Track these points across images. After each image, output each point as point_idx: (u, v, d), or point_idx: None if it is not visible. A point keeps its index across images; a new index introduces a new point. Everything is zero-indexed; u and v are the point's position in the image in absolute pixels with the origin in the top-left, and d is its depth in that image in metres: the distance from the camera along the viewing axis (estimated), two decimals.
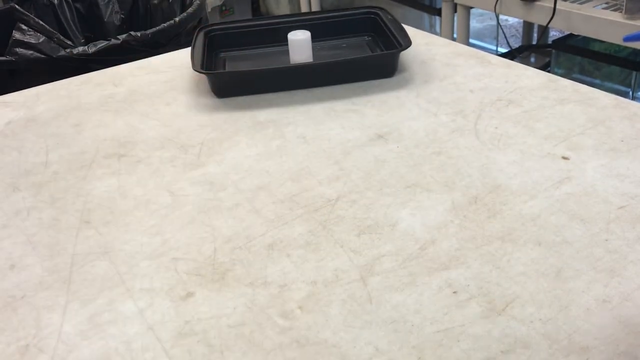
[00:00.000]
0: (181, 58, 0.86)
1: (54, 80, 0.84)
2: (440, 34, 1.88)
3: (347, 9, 0.86)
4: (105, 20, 1.43)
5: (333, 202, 0.52)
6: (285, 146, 0.62)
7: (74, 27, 1.42)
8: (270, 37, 0.83)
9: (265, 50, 0.84)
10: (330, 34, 0.84)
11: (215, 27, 0.83)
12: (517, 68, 0.74)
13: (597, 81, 1.66)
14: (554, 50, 1.61)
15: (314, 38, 0.76)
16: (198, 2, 1.26)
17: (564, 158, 0.56)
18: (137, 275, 0.46)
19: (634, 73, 1.48)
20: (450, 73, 0.74)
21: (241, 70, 0.77)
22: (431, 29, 2.33)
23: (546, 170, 0.54)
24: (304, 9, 2.50)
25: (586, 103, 0.65)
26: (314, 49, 0.76)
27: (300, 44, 0.75)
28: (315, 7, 2.46)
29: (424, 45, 0.83)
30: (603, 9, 1.46)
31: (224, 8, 2.80)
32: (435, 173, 0.55)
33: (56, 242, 0.50)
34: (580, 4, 1.50)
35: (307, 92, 0.72)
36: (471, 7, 1.76)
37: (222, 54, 0.83)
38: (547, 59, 1.77)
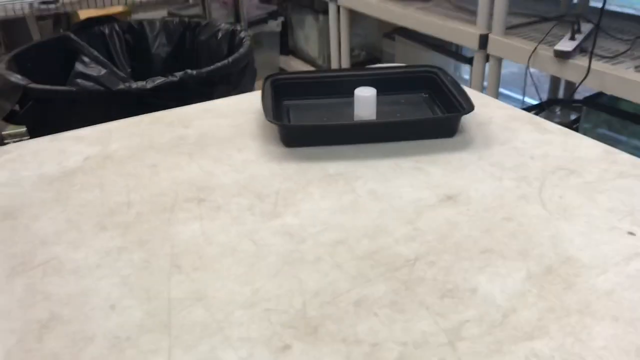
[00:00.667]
0: (246, 102, 0.90)
1: (111, 112, 0.88)
2: (469, 82, 1.92)
3: (407, 66, 0.89)
4: (153, 52, 1.48)
5: (412, 262, 0.55)
6: (357, 201, 0.65)
7: (122, 57, 1.46)
8: (333, 89, 0.87)
9: (327, 101, 0.87)
10: (390, 89, 0.88)
11: (280, 76, 0.87)
12: (573, 137, 0.78)
13: (624, 138, 1.70)
14: (584, 107, 1.65)
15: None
16: (248, 42, 1.30)
17: (630, 233, 0.58)
18: (233, 324, 0.48)
19: None
20: (509, 137, 0.77)
21: (312, 124, 0.81)
22: (455, 74, 2.37)
23: (614, 244, 0.57)
24: (334, 46, 2.55)
25: None
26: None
27: (366, 101, 0.78)
28: (344, 46, 2.51)
29: (480, 106, 0.86)
30: (635, 70, 1.50)
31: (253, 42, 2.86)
32: (507, 240, 0.58)
33: (150, 285, 0.53)
34: (613, 64, 1.54)
35: (372, 146, 0.76)
36: (503, 59, 1.80)
37: (286, 102, 0.87)
38: (573, 113, 1.80)
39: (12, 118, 1.09)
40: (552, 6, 2.06)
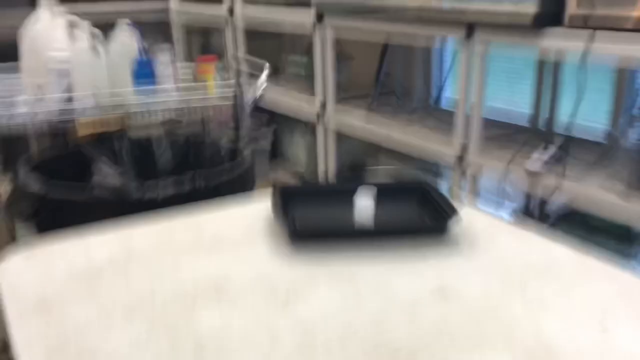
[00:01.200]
0: (254, 209, 0.99)
1: (124, 218, 0.96)
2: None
3: (399, 183, 1.01)
4: (159, 167, 1.59)
5: (414, 353, 0.62)
6: (359, 297, 0.73)
7: (129, 169, 1.57)
8: (334, 198, 0.97)
9: (330, 208, 0.96)
10: (386, 196, 0.98)
11: (287, 187, 0.98)
12: (548, 242, 0.88)
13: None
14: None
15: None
16: (250, 157, 1.42)
17: (603, 330, 0.67)
18: None
19: (630, 246, 1.63)
20: (492, 243, 0.87)
21: (317, 229, 0.89)
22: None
23: (589, 339, 0.65)
24: (321, 157, 2.70)
25: (614, 279, 0.78)
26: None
27: (365, 207, 0.88)
28: (330, 156, 2.66)
29: (466, 215, 0.97)
30: (604, 187, 1.64)
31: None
32: (497, 334, 0.66)
33: None
34: (581, 183, 1.68)
35: (370, 245, 0.85)
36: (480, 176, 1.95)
37: (293, 208, 0.96)
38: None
39: (30, 221, 1.16)
40: (521, 120, 2.24)
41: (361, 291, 0.74)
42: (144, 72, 1.66)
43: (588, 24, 1.54)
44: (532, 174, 1.74)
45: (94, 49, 1.60)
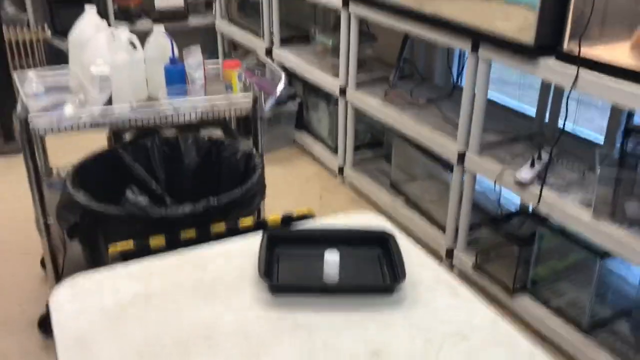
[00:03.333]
0: (249, 246, 1.22)
1: (150, 229, 1.21)
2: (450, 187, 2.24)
3: (367, 229, 1.23)
4: (185, 162, 1.83)
5: None
6: (312, 353, 0.97)
7: (159, 166, 1.82)
8: (314, 241, 1.20)
9: (309, 251, 1.19)
10: (354, 243, 1.20)
11: (275, 232, 1.21)
12: (475, 303, 1.09)
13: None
14: (538, 227, 1.97)
15: (340, 245, 1.13)
16: (260, 169, 1.65)
17: None
18: None
19: (598, 259, 1.82)
20: (430, 300, 1.09)
21: (289, 284, 1.13)
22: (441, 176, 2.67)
23: None
24: (341, 132, 2.89)
25: (512, 348, 1.00)
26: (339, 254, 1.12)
27: (332, 263, 1.11)
28: (350, 133, 2.85)
29: (417, 265, 1.18)
30: (579, 204, 1.81)
31: (272, 118, 3.23)
32: None
33: None
34: (562, 197, 1.85)
35: (333, 297, 1.08)
36: (476, 175, 2.13)
37: (278, 250, 1.20)
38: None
39: (72, 232, 1.44)
40: (526, 125, 2.38)
41: (315, 345, 0.98)
42: (175, 77, 1.87)
43: (576, 61, 1.66)
44: (521, 185, 1.92)
45: (132, 56, 1.81)
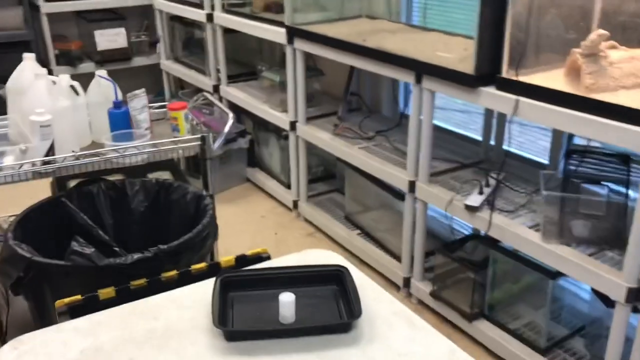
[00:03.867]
0: (202, 292, 1.20)
1: (97, 280, 1.17)
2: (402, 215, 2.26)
3: (322, 266, 1.22)
4: (132, 207, 1.79)
5: None
6: None
7: (106, 212, 1.77)
8: (268, 282, 1.18)
9: (263, 292, 1.17)
10: (309, 282, 1.19)
11: (228, 275, 1.18)
12: (432, 334, 1.09)
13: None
14: (491, 250, 2.00)
15: (295, 284, 1.11)
16: (211, 211, 1.62)
17: None
18: None
19: (550, 280, 1.85)
20: (387, 333, 1.09)
21: (245, 330, 1.10)
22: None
23: None
24: (293, 166, 2.89)
25: None
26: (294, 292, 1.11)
27: (288, 305, 1.10)
28: (302, 166, 2.85)
29: (373, 300, 1.18)
30: (529, 227, 1.85)
31: (223, 155, 3.21)
32: None
33: None
34: (512, 219, 1.89)
35: (290, 339, 1.06)
36: (428, 203, 2.15)
37: (231, 294, 1.17)
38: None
39: (16, 287, 1.38)
40: (473, 150, 2.43)
41: None
42: (120, 121, 1.84)
43: (515, 88, 1.72)
44: (471, 210, 1.95)
45: (74, 102, 1.77)
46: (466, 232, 2.43)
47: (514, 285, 2.12)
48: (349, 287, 1.15)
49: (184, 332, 1.09)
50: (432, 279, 2.22)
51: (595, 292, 1.75)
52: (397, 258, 2.38)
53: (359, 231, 2.67)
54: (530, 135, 2.35)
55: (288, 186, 3.03)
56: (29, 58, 1.86)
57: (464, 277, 2.10)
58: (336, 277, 1.21)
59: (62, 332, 1.09)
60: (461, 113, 2.73)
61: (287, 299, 1.10)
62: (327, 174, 3.16)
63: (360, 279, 1.22)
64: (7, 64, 1.97)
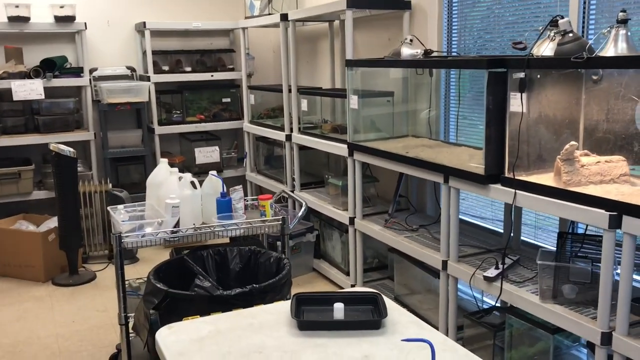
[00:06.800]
0: (281, 306, 1.79)
1: (212, 305, 1.78)
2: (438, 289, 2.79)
3: (361, 292, 1.81)
4: (230, 267, 2.45)
5: None
6: (329, 358, 1.52)
7: (211, 270, 2.43)
8: (327, 300, 1.77)
9: (326, 306, 1.76)
10: (353, 301, 1.77)
11: (301, 293, 1.79)
12: (438, 337, 1.64)
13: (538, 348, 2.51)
14: (507, 314, 2.50)
15: (344, 302, 1.70)
16: (288, 267, 2.25)
17: None
18: None
19: (552, 337, 2.33)
20: (403, 328, 1.64)
21: (311, 320, 1.70)
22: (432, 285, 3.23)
23: None
24: (352, 256, 3.50)
25: None
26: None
27: (339, 309, 1.69)
28: (359, 256, 3.45)
29: (396, 310, 1.74)
30: (532, 292, 2.36)
31: (294, 247, 3.86)
32: None
33: None
34: (520, 287, 2.41)
35: (339, 332, 1.63)
36: (457, 278, 2.70)
37: (303, 307, 1.76)
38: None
39: (156, 309, 2.02)
40: (496, 239, 2.99)
41: (328, 355, 1.52)
42: (224, 207, 2.54)
43: (513, 185, 2.32)
44: (488, 280, 2.48)
45: (193, 192, 2.50)
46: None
47: (530, 349, 2.58)
48: (380, 301, 1.73)
49: (271, 325, 1.69)
50: (462, 343, 2.71)
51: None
52: (436, 328, 2.88)
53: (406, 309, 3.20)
54: (546, 229, 2.89)
55: (347, 273, 3.62)
56: (163, 162, 2.63)
57: (485, 336, 2.58)
58: (373, 300, 1.79)
59: (195, 323, 1.72)
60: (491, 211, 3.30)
61: (339, 306, 1.70)
62: (380, 265, 3.74)
63: (389, 303, 1.79)
64: (129, 172, 2.74)
